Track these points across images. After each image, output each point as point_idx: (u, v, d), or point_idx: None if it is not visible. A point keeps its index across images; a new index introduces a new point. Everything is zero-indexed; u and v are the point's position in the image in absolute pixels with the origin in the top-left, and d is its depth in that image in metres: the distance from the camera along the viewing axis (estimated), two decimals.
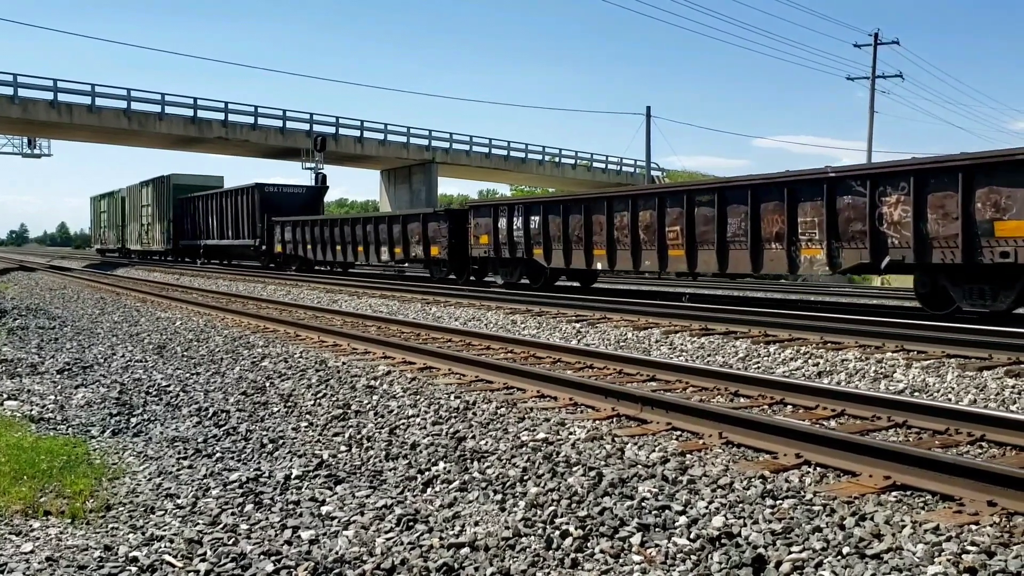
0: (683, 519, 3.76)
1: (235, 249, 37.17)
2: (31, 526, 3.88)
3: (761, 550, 3.38)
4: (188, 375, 8.05)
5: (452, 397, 6.65)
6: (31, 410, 6.50)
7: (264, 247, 33.05)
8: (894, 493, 4.13)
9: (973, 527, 3.62)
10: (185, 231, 42.58)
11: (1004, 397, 6.61)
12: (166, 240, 44.24)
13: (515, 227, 19.00)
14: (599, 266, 16.83)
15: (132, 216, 51.41)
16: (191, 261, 42.32)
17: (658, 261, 15.33)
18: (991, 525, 3.64)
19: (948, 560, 3.25)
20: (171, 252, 44.88)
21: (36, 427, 5.93)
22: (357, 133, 46.80)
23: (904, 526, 3.63)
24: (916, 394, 6.85)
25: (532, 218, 18.47)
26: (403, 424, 5.84)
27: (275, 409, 6.50)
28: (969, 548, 3.36)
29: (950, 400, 6.58)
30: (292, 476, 4.66)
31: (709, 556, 3.37)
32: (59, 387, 7.54)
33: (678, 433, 5.46)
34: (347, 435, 5.58)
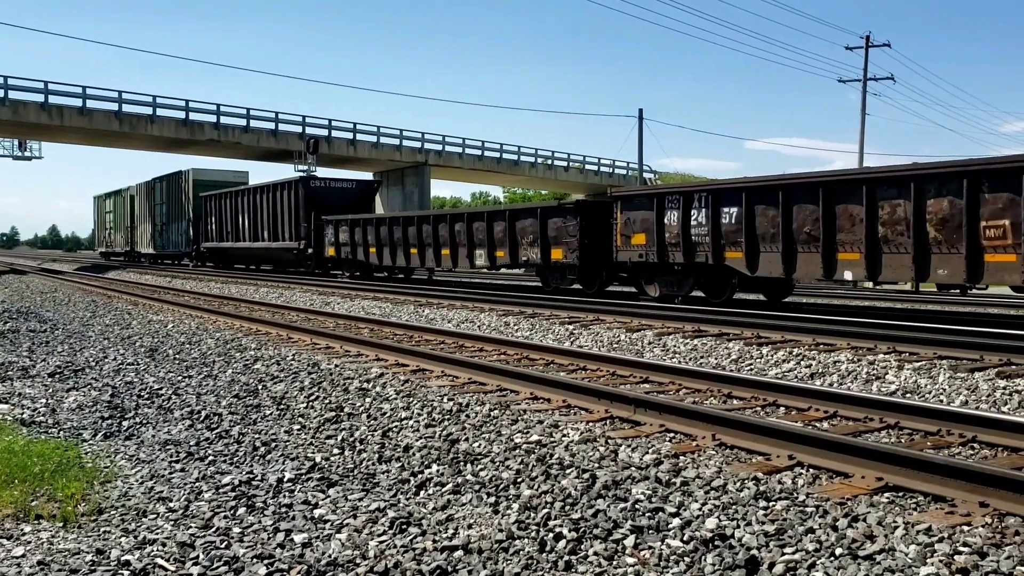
0: (677, 521, 3.76)
1: (272, 253, 32.51)
2: (22, 530, 3.87)
3: (754, 551, 3.39)
4: (180, 378, 8.02)
5: (445, 399, 6.64)
6: (22, 413, 6.47)
7: (310, 250, 28.61)
8: (886, 494, 4.14)
9: (965, 528, 3.63)
10: (208, 232, 37.90)
11: (995, 398, 6.64)
12: (185, 242, 40.26)
13: (695, 221, 14.51)
14: (848, 275, 12.42)
15: (143, 216, 46.98)
16: (215, 267, 37.50)
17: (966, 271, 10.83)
18: (983, 526, 3.65)
19: (940, 561, 3.26)
20: (191, 256, 40.62)
21: (27, 431, 5.91)
22: (350, 135, 46.71)
23: (897, 527, 3.64)
24: (908, 395, 6.87)
25: (725, 209, 14.07)
26: (396, 426, 5.83)
27: (267, 412, 6.48)
28: (961, 549, 3.37)
29: (942, 401, 6.60)
30: (285, 479, 4.64)
31: (703, 558, 3.38)
32: (50, 390, 7.51)
33: (671, 435, 5.46)
34: (340, 438, 5.57)
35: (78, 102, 39.25)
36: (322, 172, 40.21)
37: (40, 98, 38.15)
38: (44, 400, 7.04)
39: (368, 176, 48.30)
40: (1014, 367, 7.72)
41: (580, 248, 17.02)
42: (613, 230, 16.37)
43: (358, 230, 25.60)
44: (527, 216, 18.56)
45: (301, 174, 30.79)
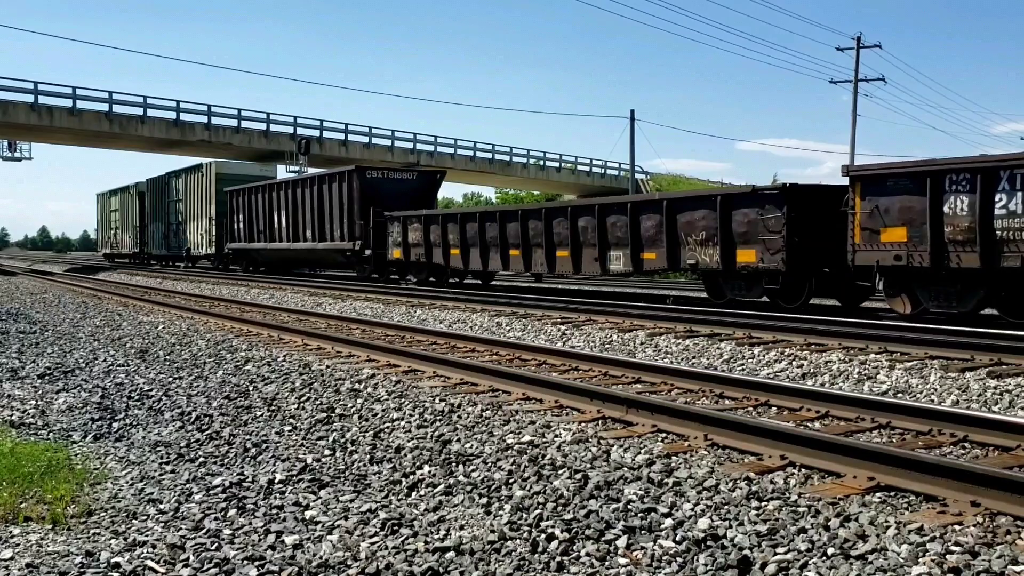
0: (669, 521, 3.76)
1: (317, 255, 28.50)
2: (11, 532, 3.84)
3: (747, 551, 3.39)
4: (170, 379, 7.99)
5: (437, 400, 6.63)
6: (11, 415, 6.43)
7: (368, 252, 24.17)
8: (878, 494, 4.15)
9: (957, 527, 3.64)
10: (234, 232, 33.43)
11: (986, 398, 6.66)
12: (205, 243, 36.19)
13: (1006, 209, 10.51)
14: None
15: (156, 214, 42.68)
16: (244, 270, 33.22)
17: None
18: (975, 525, 3.65)
19: (932, 560, 3.26)
20: (213, 259, 36.55)
21: (16, 432, 5.87)
22: (341, 136, 46.66)
23: (888, 527, 3.64)
24: (899, 395, 6.88)
25: None
26: (388, 427, 5.81)
27: (258, 413, 6.46)
28: (953, 548, 3.37)
29: (933, 401, 6.61)
30: (276, 480, 4.62)
31: (695, 558, 3.37)
32: (40, 392, 7.47)
33: (663, 435, 5.46)
34: (331, 439, 5.56)
35: (68, 102, 39.10)
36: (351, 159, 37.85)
37: (30, 98, 38.00)
38: (33, 402, 7.00)
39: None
40: (1005, 367, 7.75)
41: (787, 248, 12.83)
42: (848, 223, 12.19)
43: (435, 228, 21.14)
44: (698, 207, 14.34)
45: (354, 164, 25.89)
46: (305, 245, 28.15)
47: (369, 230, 24.12)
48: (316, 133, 45.31)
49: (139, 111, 41.08)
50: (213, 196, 35.52)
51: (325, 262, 29.59)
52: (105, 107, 40.05)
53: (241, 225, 32.97)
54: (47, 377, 8.20)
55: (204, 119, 42.75)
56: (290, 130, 44.89)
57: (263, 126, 44.50)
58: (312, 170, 30.65)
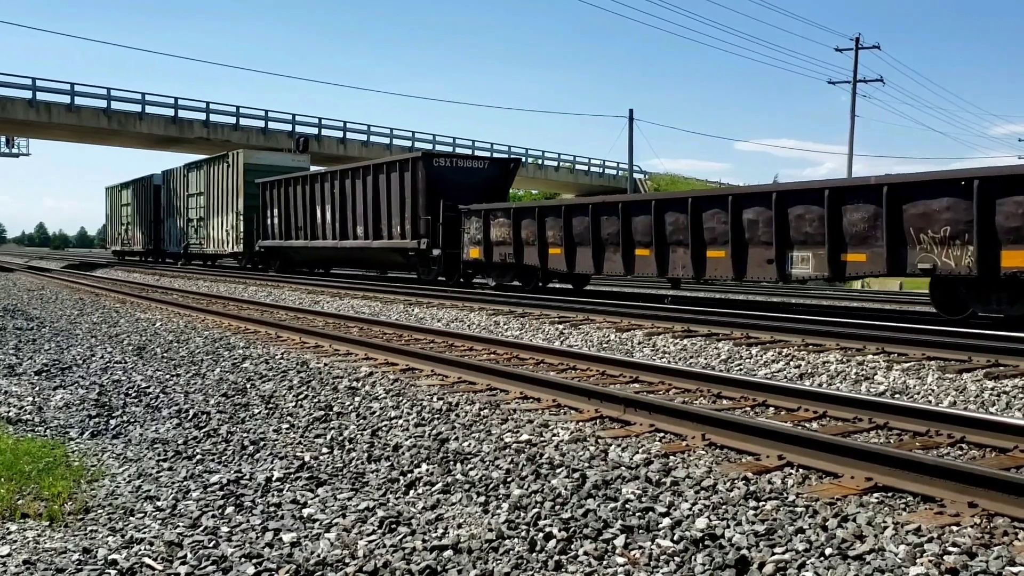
0: (667, 521, 3.76)
1: (371, 255, 24.77)
2: (8, 529, 3.83)
3: (744, 551, 3.39)
4: (168, 376, 7.98)
5: (435, 398, 6.63)
6: (8, 412, 6.43)
7: (436, 251, 20.78)
8: (876, 494, 4.15)
9: (954, 528, 3.64)
10: (267, 229, 29.77)
11: (983, 399, 6.66)
12: (233, 241, 32.41)
13: None
14: None
15: (172, 209, 39.33)
16: (279, 271, 29.17)
17: None
18: (972, 526, 3.66)
19: (930, 561, 3.26)
20: (242, 257, 32.70)
21: (14, 429, 5.86)
22: (340, 134, 46.69)
23: (886, 527, 3.64)
24: (897, 396, 6.89)
25: None
26: (385, 426, 5.81)
27: (256, 411, 6.46)
28: (951, 549, 3.37)
29: (930, 402, 6.62)
30: (273, 478, 4.62)
31: (693, 557, 3.37)
32: (37, 388, 7.46)
33: (661, 435, 5.46)
34: (329, 437, 5.55)
35: (66, 99, 39.11)
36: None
37: (28, 95, 38.00)
38: (31, 398, 6.99)
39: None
40: (1002, 368, 7.76)
41: None
42: None
43: (528, 223, 17.97)
44: (940, 193, 10.96)
45: (420, 150, 21.97)
46: (355, 243, 24.51)
47: (439, 226, 20.59)
48: (314, 131, 45.33)
49: (137, 108, 41.13)
50: (241, 189, 31.74)
51: (379, 262, 26.00)
52: (103, 104, 40.06)
53: (275, 221, 29.13)
54: (44, 373, 8.19)
55: (202, 116, 42.77)
56: (288, 128, 44.92)
57: (261, 124, 44.55)
58: (362, 161, 26.26)
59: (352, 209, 24.65)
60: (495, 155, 25.11)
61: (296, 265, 30.03)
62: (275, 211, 29.27)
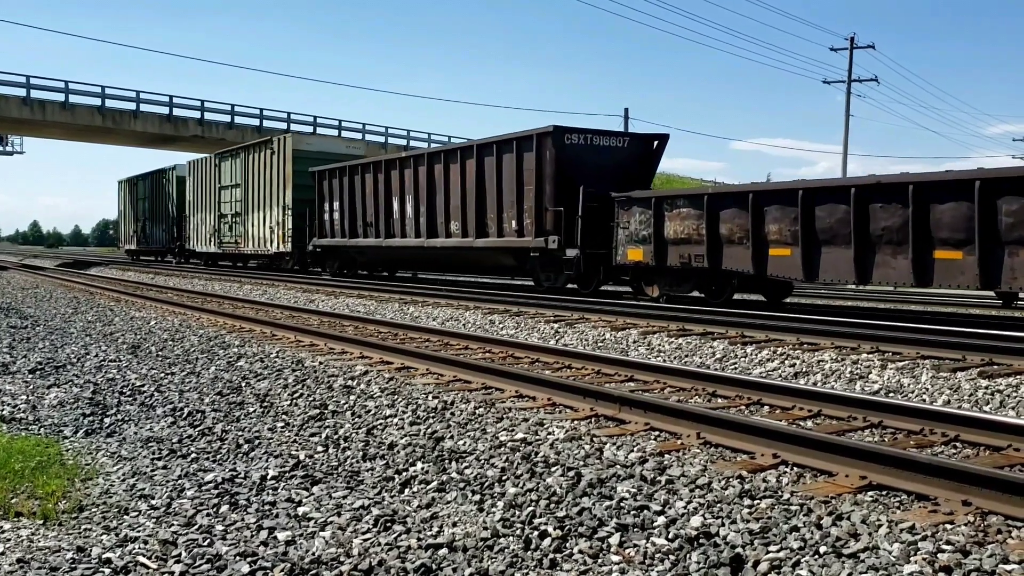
0: (662, 519, 3.76)
1: (475, 256, 19.89)
2: (1, 527, 3.83)
3: (739, 550, 3.39)
4: (163, 375, 7.97)
5: (430, 397, 6.62)
6: (2, 410, 6.41)
7: (572, 251, 16.24)
8: (870, 493, 4.16)
9: (948, 526, 3.65)
10: (325, 225, 25.33)
11: (978, 398, 6.68)
12: (279, 239, 27.85)
13: None
14: None
15: (200, 203, 34.83)
16: (342, 274, 25.15)
17: None
18: (966, 524, 3.66)
19: (924, 559, 3.27)
20: (292, 258, 28.00)
21: (7, 427, 5.85)
22: (335, 132, 46.63)
23: (880, 525, 3.65)
24: (891, 395, 6.90)
25: None
26: (381, 424, 5.81)
27: (251, 409, 6.45)
28: (944, 547, 3.38)
29: (925, 401, 6.63)
30: (268, 477, 4.62)
31: (687, 556, 3.38)
32: (31, 387, 7.44)
33: (656, 433, 5.47)
34: (324, 435, 5.55)
35: (61, 97, 39.07)
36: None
37: (22, 92, 37.94)
38: (24, 396, 6.98)
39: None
40: (996, 367, 7.77)
41: None
42: None
43: (732, 214, 13.59)
44: None
45: (550, 125, 17.02)
46: (449, 242, 19.97)
47: (577, 220, 16.22)
48: (310, 129, 45.29)
49: (132, 106, 41.10)
50: (288, 179, 27.32)
51: (482, 265, 21.23)
52: (98, 102, 40.02)
53: (335, 216, 24.73)
54: (38, 372, 8.17)
55: (197, 114, 42.76)
56: (283, 126, 44.89)
57: (256, 122, 44.51)
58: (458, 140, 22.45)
59: (445, 200, 19.98)
60: (636, 133, 19.00)
61: (362, 268, 25.85)
62: (335, 204, 24.76)
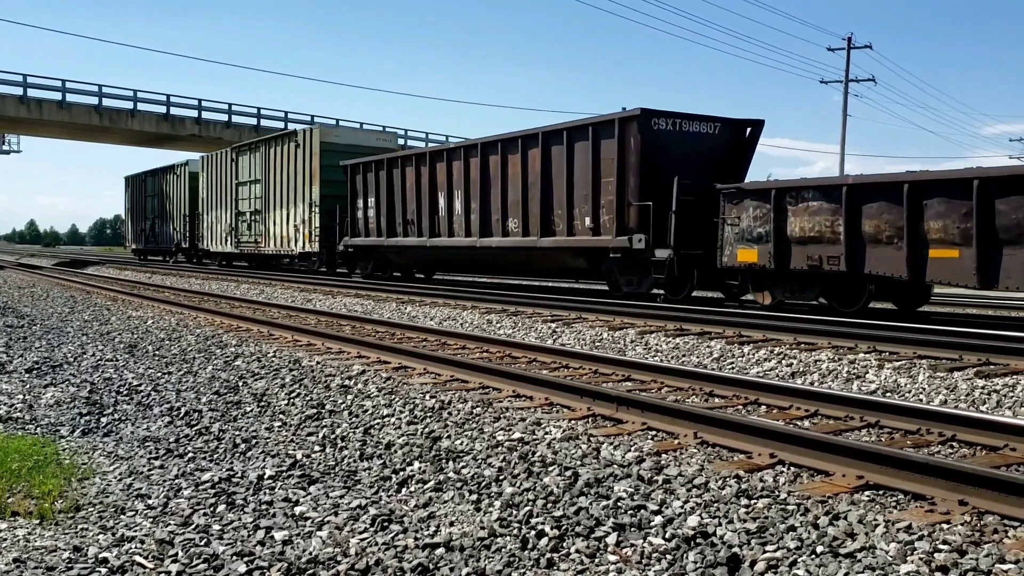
0: (659, 519, 3.76)
1: (536, 257, 17.80)
2: None
3: (736, 549, 3.39)
4: (160, 374, 7.96)
5: (427, 397, 6.62)
6: None
7: (662, 252, 14.31)
8: (867, 492, 4.16)
9: (945, 526, 3.65)
10: (358, 223, 23.26)
11: (974, 397, 6.69)
12: (306, 238, 26.01)
13: None
14: None
15: (215, 200, 32.81)
16: (378, 277, 23.11)
17: None
18: (962, 524, 3.67)
19: (920, 559, 3.27)
20: (319, 258, 26.08)
21: (4, 427, 5.84)
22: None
23: (877, 525, 3.65)
24: (888, 395, 6.91)
25: None
26: (378, 424, 5.80)
27: (248, 409, 6.44)
28: (941, 547, 3.38)
29: (921, 400, 6.64)
30: (265, 476, 4.61)
31: (684, 555, 3.38)
32: (28, 386, 7.43)
33: (653, 433, 5.47)
34: (321, 435, 5.54)
35: (58, 96, 39.03)
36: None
37: (19, 91, 37.91)
38: (21, 396, 6.97)
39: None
40: (992, 367, 7.78)
41: None
42: None
43: (878, 208, 11.65)
44: None
45: (636, 108, 14.95)
46: (506, 242, 17.91)
47: (669, 216, 14.22)
48: (307, 128, 45.21)
49: (129, 105, 41.07)
50: (315, 174, 25.48)
51: (547, 267, 18.80)
52: (95, 101, 39.99)
53: (370, 213, 22.66)
54: (35, 371, 8.16)
55: (195, 113, 42.76)
56: (281, 124, 44.85)
57: (254, 121, 44.52)
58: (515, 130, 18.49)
59: (502, 195, 17.96)
60: (728, 119, 16.20)
61: (398, 269, 23.75)
62: (369, 201, 22.67)
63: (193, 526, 3.84)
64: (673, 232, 14.23)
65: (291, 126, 44.43)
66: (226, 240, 31.98)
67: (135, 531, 3.77)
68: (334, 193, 24.46)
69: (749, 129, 16.03)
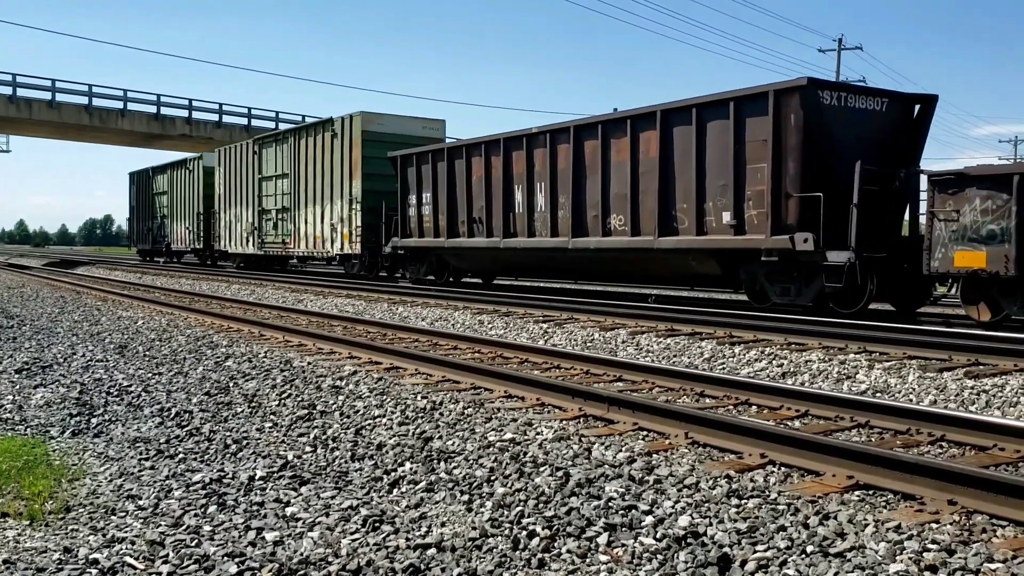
0: (649, 519, 3.77)
1: (653, 261, 14.87)
2: None
3: (726, 549, 3.41)
4: (150, 375, 7.94)
5: (419, 397, 6.62)
6: None
7: (838, 255, 11.72)
8: (857, 492, 4.18)
9: (934, 525, 3.67)
10: (413, 222, 20.61)
11: (964, 398, 6.72)
12: (345, 238, 23.41)
13: None
14: None
15: (234, 197, 30.21)
16: (413, 281, 21.04)
17: None
18: (951, 523, 3.69)
19: (909, 558, 3.29)
20: (360, 261, 23.37)
21: None
22: None
23: (867, 525, 3.67)
24: (878, 395, 6.93)
25: None
26: (369, 424, 5.80)
27: (239, 409, 6.43)
28: (930, 546, 3.40)
29: (911, 401, 6.67)
30: (256, 477, 4.61)
31: (675, 555, 3.39)
32: (17, 387, 7.40)
33: (644, 433, 5.48)
34: (312, 436, 5.54)
35: (47, 95, 38.92)
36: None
37: (8, 91, 37.76)
38: (11, 397, 6.94)
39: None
40: (982, 367, 7.82)
41: None
42: None
43: None
44: None
45: (802, 78, 12.13)
46: (608, 242, 15.14)
47: (851, 209, 11.69)
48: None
49: (119, 104, 40.98)
50: (356, 167, 22.96)
51: (665, 273, 15.42)
52: (85, 100, 39.89)
53: (426, 210, 20.17)
54: (24, 372, 8.13)
55: (185, 113, 42.67)
56: (272, 125, 44.81)
57: (244, 120, 44.44)
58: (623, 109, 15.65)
59: (602, 187, 15.19)
60: (896, 92, 13.18)
61: (455, 274, 21.01)
62: (424, 196, 20.17)
63: (184, 527, 3.83)
64: (855, 230, 11.61)
65: (282, 126, 44.36)
66: (247, 240, 29.42)
67: (126, 532, 3.76)
68: (377, 188, 22.13)
69: (919, 106, 13.18)
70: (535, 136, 16.95)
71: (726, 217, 13.09)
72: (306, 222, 25.49)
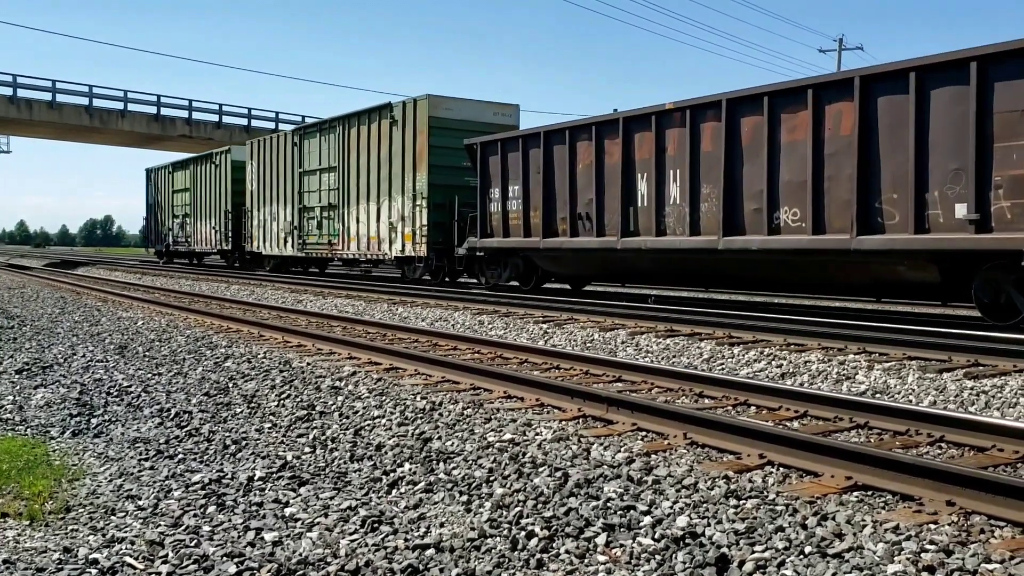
0: (648, 519, 3.78)
1: (845, 266, 11.92)
2: None
3: (725, 550, 3.41)
4: (150, 375, 7.94)
5: (418, 398, 6.63)
6: None
7: None
8: (855, 493, 4.18)
9: (932, 526, 3.68)
10: (496, 219, 17.88)
11: (963, 399, 6.72)
12: (407, 239, 20.59)
13: None
14: None
15: (270, 194, 27.43)
16: (488, 286, 18.58)
17: None
18: (949, 524, 3.69)
19: (908, 559, 3.29)
20: (424, 264, 20.69)
21: None
22: None
23: (865, 525, 3.68)
24: (877, 395, 6.94)
25: None
26: (368, 425, 5.81)
27: (238, 410, 6.44)
28: (928, 547, 3.41)
29: (911, 401, 6.67)
30: (255, 477, 4.61)
31: (673, 556, 3.39)
32: (17, 387, 7.41)
33: (643, 433, 5.49)
34: (311, 436, 5.55)
35: (48, 96, 38.98)
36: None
37: (8, 91, 37.78)
38: (11, 397, 6.95)
39: None
40: (981, 368, 7.83)
41: None
42: None
43: None
44: None
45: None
46: (776, 242, 12.34)
47: None
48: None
49: (120, 105, 41.02)
50: (420, 158, 20.14)
51: (848, 280, 12.86)
52: (85, 101, 39.91)
53: (512, 205, 17.45)
54: (25, 372, 8.14)
55: (185, 114, 42.70)
56: (271, 125, 44.89)
57: (244, 121, 44.50)
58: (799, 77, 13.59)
59: (768, 174, 12.37)
60: None
61: (543, 279, 18.40)
62: (510, 190, 17.47)
63: (183, 527, 3.84)
64: None
65: (281, 126, 44.37)
66: (286, 241, 26.50)
67: (125, 532, 3.77)
68: (446, 182, 19.65)
69: None
70: (665, 114, 14.07)
71: (960, 210, 10.29)
72: (357, 221, 22.66)
